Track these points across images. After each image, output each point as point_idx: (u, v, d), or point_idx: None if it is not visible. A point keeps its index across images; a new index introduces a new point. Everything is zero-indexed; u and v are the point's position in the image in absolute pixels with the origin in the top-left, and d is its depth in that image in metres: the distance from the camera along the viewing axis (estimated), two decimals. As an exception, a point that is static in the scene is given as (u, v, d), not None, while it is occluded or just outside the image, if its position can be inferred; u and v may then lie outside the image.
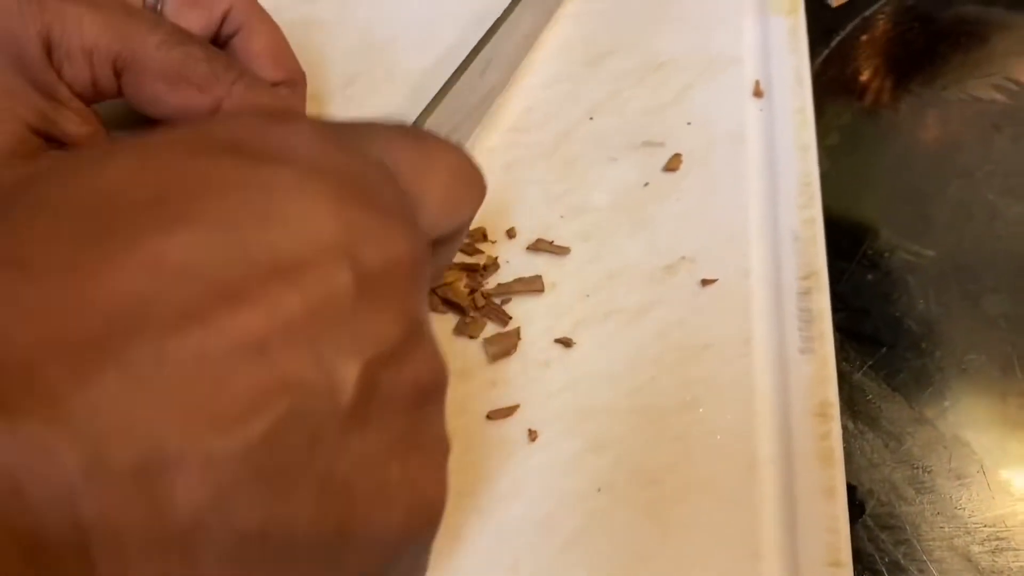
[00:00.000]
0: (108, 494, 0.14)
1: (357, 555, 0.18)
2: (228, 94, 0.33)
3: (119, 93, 0.34)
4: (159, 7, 0.35)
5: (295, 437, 0.16)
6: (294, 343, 0.16)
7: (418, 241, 0.19)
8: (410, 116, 0.37)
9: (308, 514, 0.16)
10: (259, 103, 0.34)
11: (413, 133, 0.23)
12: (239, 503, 0.15)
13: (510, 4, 0.42)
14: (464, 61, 0.38)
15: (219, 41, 0.37)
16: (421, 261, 0.19)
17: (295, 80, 0.39)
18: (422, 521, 0.19)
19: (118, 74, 0.33)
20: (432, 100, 0.37)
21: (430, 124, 0.37)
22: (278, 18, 0.39)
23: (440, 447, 0.20)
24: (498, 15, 0.42)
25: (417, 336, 0.19)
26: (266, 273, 0.16)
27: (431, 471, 0.19)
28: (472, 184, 0.24)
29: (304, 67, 0.40)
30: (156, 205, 0.16)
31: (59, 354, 0.14)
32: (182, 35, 0.33)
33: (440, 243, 0.24)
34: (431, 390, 0.19)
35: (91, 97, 0.34)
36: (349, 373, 0.17)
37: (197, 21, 0.36)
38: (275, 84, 0.38)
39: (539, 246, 0.39)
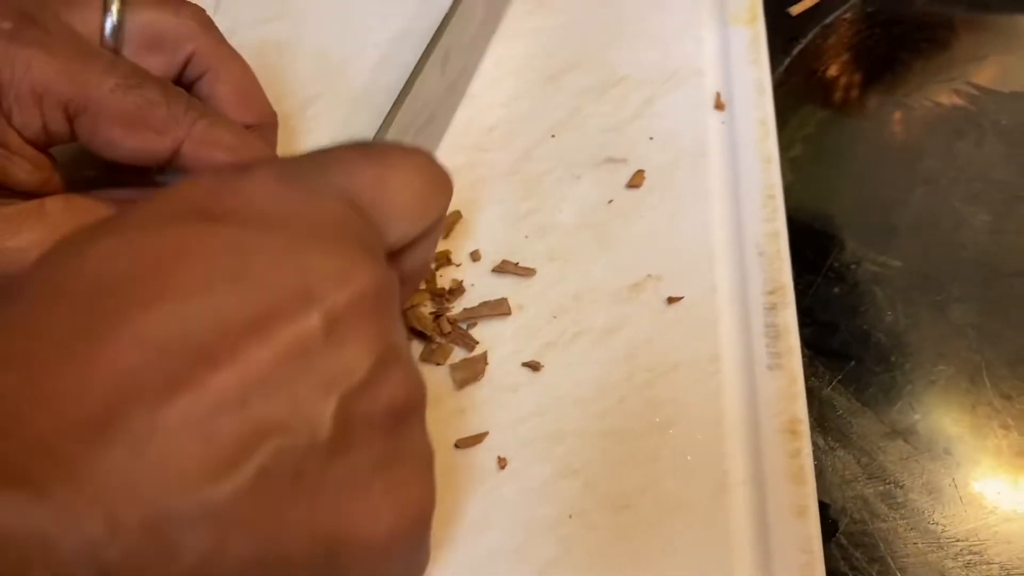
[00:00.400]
0: (126, 545, 0.16)
1: (352, 564, 0.20)
2: (188, 136, 0.32)
3: (72, 137, 0.32)
4: (118, 50, 0.34)
5: (281, 475, 0.18)
6: (270, 392, 0.18)
7: (380, 269, 0.21)
8: (371, 134, 0.36)
9: (300, 538, 0.18)
10: (221, 143, 0.33)
11: (371, 152, 0.24)
12: (238, 539, 0.17)
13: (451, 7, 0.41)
14: (417, 65, 0.38)
15: (183, 84, 0.36)
16: (386, 287, 0.21)
17: (265, 122, 0.37)
18: (410, 522, 0.21)
19: (71, 119, 0.31)
20: (388, 112, 0.36)
21: (403, 114, 0.36)
22: (235, 40, 0.38)
23: (422, 457, 0.22)
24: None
25: (390, 359, 0.20)
26: (239, 332, 0.18)
27: (415, 477, 0.21)
28: (436, 183, 0.25)
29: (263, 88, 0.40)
30: (136, 283, 0.18)
31: (71, 434, 0.16)
32: (139, 76, 0.32)
33: (416, 241, 0.25)
34: (408, 408, 0.21)
35: (44, 142, 0.32)
36: (325, 410, 0.19)
37: (158, 66, 0.34)
38: (245, 127, 0.36)
39: (504, 268, 0.39)
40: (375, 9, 0.48)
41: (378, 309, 0.20)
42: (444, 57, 0.39)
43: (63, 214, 0.32)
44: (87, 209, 0.32)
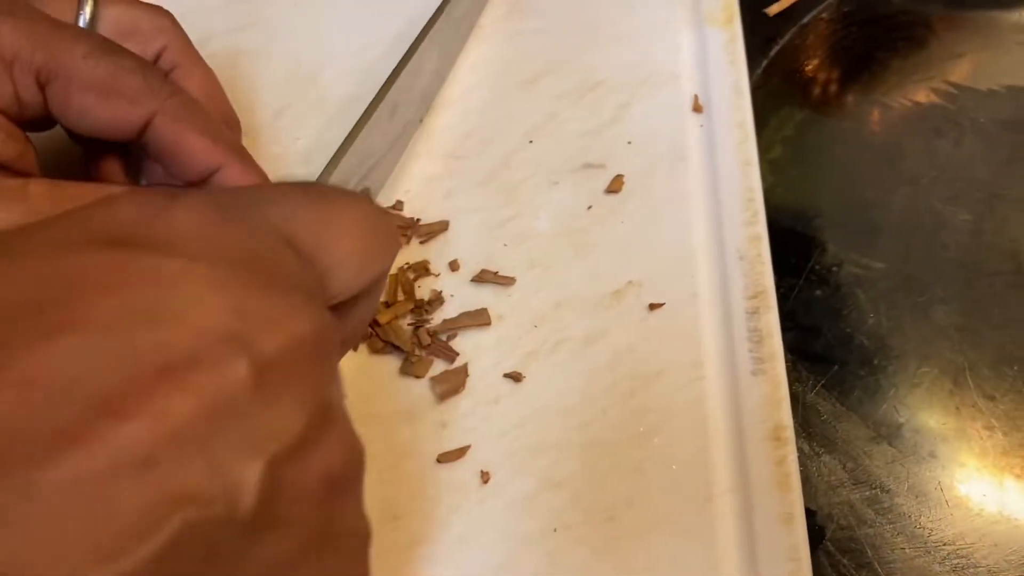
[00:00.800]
0: None
1: None
2: (162, 108, 0.31)
3: (45, 108, 0.32)
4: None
5: (191, 554, 0.15)
6: (185, 451, 0.15)
7: (320, 316, 0.18)
8: (336, 147, 0.36)
9: None
10: (194, 122, 0.32)
11: (315, 193, 0.22)
12: None
13: (422, 31, 0.41)
14: (373, 100, 0.37)
15: None
16: (325, 337, 0.18)
17: (228, 126, 0.37)
18: None
19: (42, 86, 0.30)
20: (330, 160, 0.35)
21: (346, 161, 0.35)
22: (205, 49, 0.38)
23: (358, 537, 0.19)
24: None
25: (326, 419, 0.17)
26: (152, 377, 0.15)
27: (349, 563, 0.18)
28: (381, 236, 0.23)
29: (233, 98, 0.39)
30: (31, 314, 0.15)
31: None
32: (112, 45, 0.31)
33: (358, 298, 0.23)
34: (344, 476, 0.18)
35: (16, 113, 0.31)
36: (249, 476, 0.15)
37: None
38: None
39: (484, 277, 0.38)
40: (347, 17, 0.47)
41: (316, 359, 0.17)
42: (392, 109, 0.39)
43: (46, 198, 0.31)
44: (71, 196, 0.31)
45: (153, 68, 0.31)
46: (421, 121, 0.43)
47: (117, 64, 0.30)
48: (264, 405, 0.16)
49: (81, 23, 0.33)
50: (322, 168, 0.35)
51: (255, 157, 0.35)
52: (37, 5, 0.32)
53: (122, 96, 0.30)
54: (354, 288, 0.22)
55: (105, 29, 0.33)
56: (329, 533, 0.17)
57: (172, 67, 0.35)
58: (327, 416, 0.18)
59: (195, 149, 0.31)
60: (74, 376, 0.14)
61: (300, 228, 0.20)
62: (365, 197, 0.23)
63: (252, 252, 0.18)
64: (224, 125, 0.36)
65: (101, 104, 0.30)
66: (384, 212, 0.24)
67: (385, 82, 0.38)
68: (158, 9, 0.35)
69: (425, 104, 0.43)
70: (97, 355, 0.14)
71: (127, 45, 0.33)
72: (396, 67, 0.39)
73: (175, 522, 0.14)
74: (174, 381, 0.15)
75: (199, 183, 0.32)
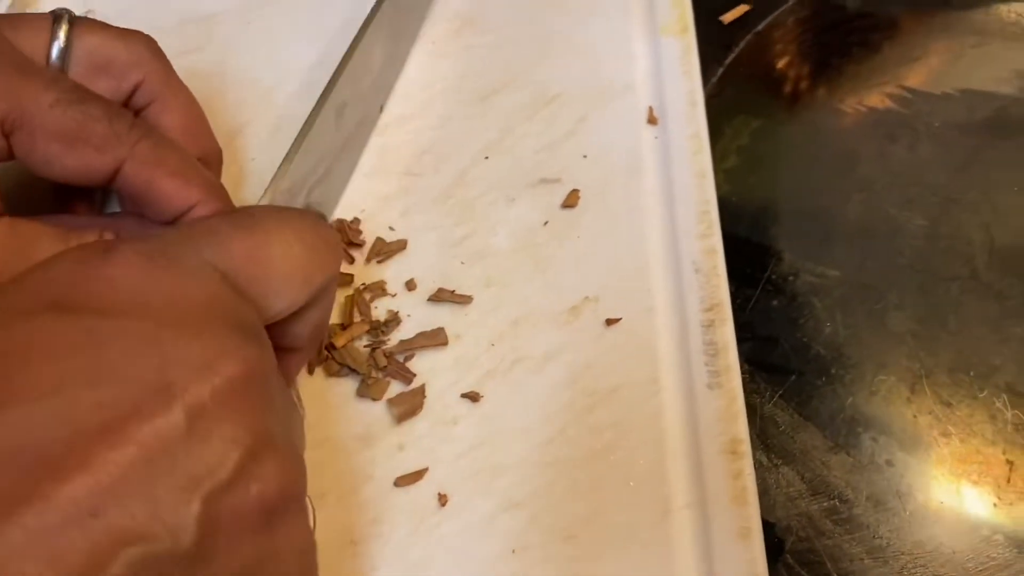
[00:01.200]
0: None
1: None
2: (131, 155, 0.30)
3: (10, 154, 0.31)
4: (64, 71, 0.33)
5: None
6: (126, 498, 0.16)
7: (252, 351, 0.20)
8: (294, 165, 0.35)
9: None
10: (167, 164, 0.31)
11: (246, 221, 0.23)
12: None
13: (355, 37, 0.40)
14: (308, 119, 0.36)
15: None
16: (257, 372, 0.20)
17: (209, 157, 0.36)
18: None
19: (7, 134, 0.30)
20: (279, 168, 0.34)
21: (294, 170, 0.35)
22: None
23: (303, 551, 0.21)
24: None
25: (262, 448, 0.19)
26: (91, 435, 0.16)
27: None
28: (319, 251, 0.24)
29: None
30: None
31: None
32: (81, 93, 0.30)
33: (308, 307, 0.24)
34: (284, 501, 0.20)
35: None
36: (188, 513, 0.17)
37: (105, 92, 0.33)
38: None
39: (441, 296, 0.38)
40: (300, 33, 0.47)
41: (247, 395, 0.19)
42: (339, 109, 0.38)
43: (6, 238, 0.30)
44: (32, 236, 0.31)
45: (121, 113, 0.31)
46: (382, 109, 0.43)
47: (84, 112, 0.30)
48: (198, 447, 0.18)
49: (55, 52, 0.32)
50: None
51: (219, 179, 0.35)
52: (10, 33, 0.31)
53: (88, 145, 0.30)
54: (299, 302, 0.23)
55: (79, 62, 0.33)
56: (271, 553, 0.19)
57: (150, 101, 0.34)
58: (262, 446, 0.19)
59: (166, 193, 0.30)
60: (19, 443, 0.16)
61: (234, 261, 0.22)
62: (300, 213, 0.25)
63: (183, 298, 0.20)
64: (204, 158, 0.35)
65: (67, 153, 0.30)
66: (320, 225, 0.25)
67: (328, 83, 0.37)
68: (135, 36, 0.34)
69: (381, 96, 0.43)
70: (41, 421, 0.16)
71: (102, 79, 0.33)
72: (339, 64, 0.38)
73: (123, 561, 0.16)
74: (112, 436, 0.17)
75: (174, 221, 0.31)
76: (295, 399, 0.29)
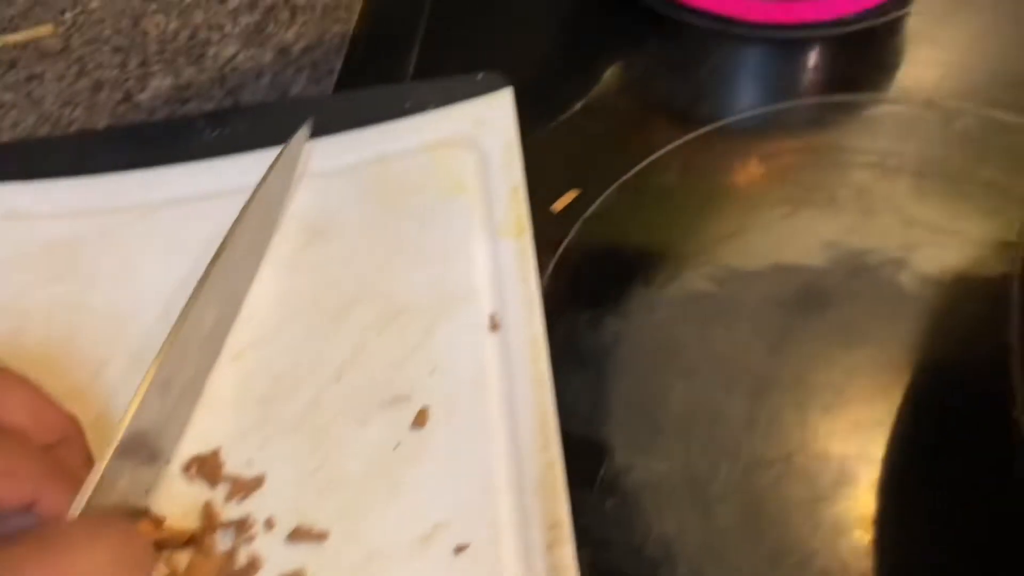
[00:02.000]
0: None
1: None
2: None
3: None
4: None
5: None
6: None
7: None
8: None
9: None
10: (17, 473, 0.32)
11: (51, 540, 0.25)
12: None
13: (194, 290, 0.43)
14: (132, 399, 0.38)
15: None
16: None
17: (68, 435, 0.37)
18: None
19: None
20: (104, 454, 0.36)
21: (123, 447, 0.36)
22: (22, 302, 0.38)
23: None
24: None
25: None
26: None
27: None
28: (129, 565, 0.26)
29: (49, 358, 0.40)
30: None
31: None
32: None
33: None
34: None
35: None
36: None
37: None
38: (48, 447, 0.36)
39: (298, 535, 0.40)
40: (158, 260, 0.49)
41: None
42: (163, 386, 0.40)
43: None
44: None
45: None
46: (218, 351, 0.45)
47: None
48: None
49: None
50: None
51: (86, 424, 0.36)
52: None
53: None
54: None
55: None
56: None
57: None
58: None
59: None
60: None
61: None
62: (112, 523, 0.27)
63: None
64: (61, 435, 0.37)
65: None
66: (128, 538, 0.27)
67: (153, 361, 0.39)
68: None
69: (204, 368, 0.45)
70: None
71: None
72: (163, 344, 0.40)
73: None
74: None
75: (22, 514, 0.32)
76: None
